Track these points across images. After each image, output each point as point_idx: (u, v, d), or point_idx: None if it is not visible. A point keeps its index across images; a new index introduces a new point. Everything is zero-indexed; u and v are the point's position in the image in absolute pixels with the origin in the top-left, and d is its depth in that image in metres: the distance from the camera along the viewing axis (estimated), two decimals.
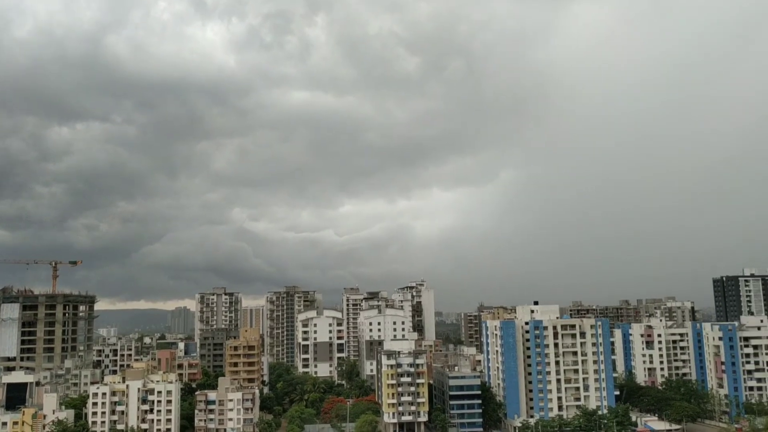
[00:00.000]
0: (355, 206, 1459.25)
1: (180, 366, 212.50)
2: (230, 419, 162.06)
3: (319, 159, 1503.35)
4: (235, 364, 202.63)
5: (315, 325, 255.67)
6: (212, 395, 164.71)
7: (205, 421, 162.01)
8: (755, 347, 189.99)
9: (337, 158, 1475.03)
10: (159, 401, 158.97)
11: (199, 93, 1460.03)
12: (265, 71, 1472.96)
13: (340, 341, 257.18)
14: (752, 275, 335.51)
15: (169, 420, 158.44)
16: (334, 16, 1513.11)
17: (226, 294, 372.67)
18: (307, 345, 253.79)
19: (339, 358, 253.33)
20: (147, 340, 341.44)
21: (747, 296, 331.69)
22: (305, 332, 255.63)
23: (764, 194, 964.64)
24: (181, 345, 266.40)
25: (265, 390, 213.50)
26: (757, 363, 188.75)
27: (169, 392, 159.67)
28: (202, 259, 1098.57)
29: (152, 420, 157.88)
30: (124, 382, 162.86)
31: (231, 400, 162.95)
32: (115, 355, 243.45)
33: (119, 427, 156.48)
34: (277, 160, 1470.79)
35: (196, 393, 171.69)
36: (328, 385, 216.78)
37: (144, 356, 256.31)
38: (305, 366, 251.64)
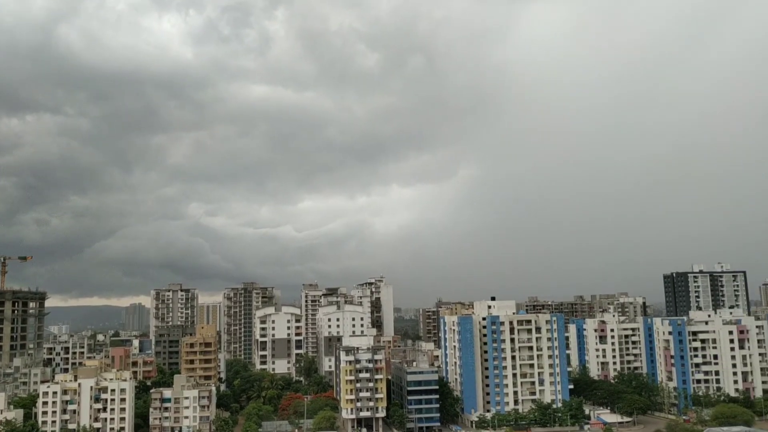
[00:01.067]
0: (315, 202, 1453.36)
1: (134, 364, 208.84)
2: (186, 417, 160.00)
3: (279, 154, 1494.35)
4: (192, 362, 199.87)
5: (273, 321, 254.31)
6: (167, 393, 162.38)
7: (160, 419, 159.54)
8: (703, 341, 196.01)
9: (296, 153, 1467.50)
10: (112, 400, 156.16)
11: (156, 86, 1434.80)
12: (224, 64, 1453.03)
13: (298, 338, 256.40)
14: (701, 272, 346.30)
15: (122, 419, 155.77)
16: (294, 11, 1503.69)
17: (182, 290, 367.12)
18: (265, 341, 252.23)
19: (297, 354, 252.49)
20: (100, 337, 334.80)
21: (695, 292, 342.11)
22: (263, 329, 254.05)
23: (711, 192, 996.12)
24: (136, 342, 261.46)
25: (222, 387, 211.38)
26: (704, 356, 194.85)
27: (122, 390, 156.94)
28: (158, 254, 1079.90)
29: (105, 419, 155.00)
30: (76, 380, 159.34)
31: (187, 398, 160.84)
32: (67, 353, 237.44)
33: (71, 426, 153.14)
34: (235, 154, 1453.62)
35: (151, 391, 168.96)
36: (286, 381, 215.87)
37: (97, 354, 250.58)
38: (263, 363, 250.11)
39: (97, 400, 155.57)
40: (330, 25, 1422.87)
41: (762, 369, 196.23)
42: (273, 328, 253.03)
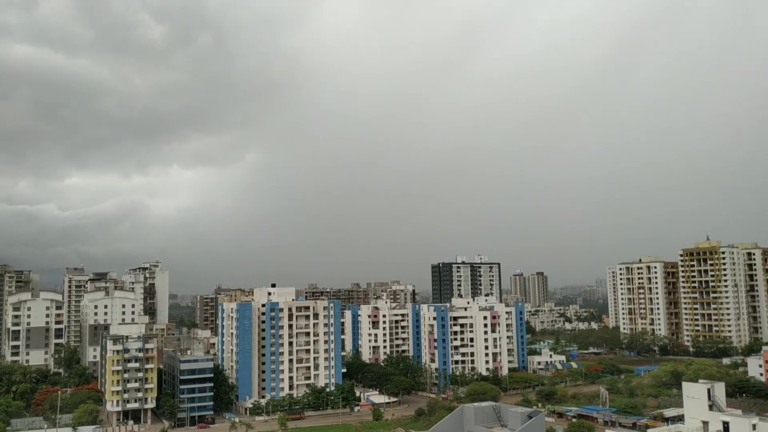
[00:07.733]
0: (84, 179, 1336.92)
1: None
2: None
3: (44, 123, 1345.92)
4: None
5: (29, 308, 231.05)
6: None
7: None
8: (462, 326, 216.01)
9: (65, 124, 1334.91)
10: None
11: None
12: None
13: (59, 326, 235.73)
14: (463, 262, 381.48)
15: None
16: None
17: None
18: (19, 330, 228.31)
19: (57, 344, 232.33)
20: None
21: (458, 281, 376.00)
22: (16, 316, 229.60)
23: (478, 190, 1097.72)
24: None
25: None
26: (462, 339, 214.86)
27: None
28: None
29: None
30: None
31: None
32: None
33: None
34: None
35: None
36: (42, 374, 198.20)
37: None
38: (15, 354, 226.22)
39: None
40: None
41: (509, 350, 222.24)
42: (28, 316, 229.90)
